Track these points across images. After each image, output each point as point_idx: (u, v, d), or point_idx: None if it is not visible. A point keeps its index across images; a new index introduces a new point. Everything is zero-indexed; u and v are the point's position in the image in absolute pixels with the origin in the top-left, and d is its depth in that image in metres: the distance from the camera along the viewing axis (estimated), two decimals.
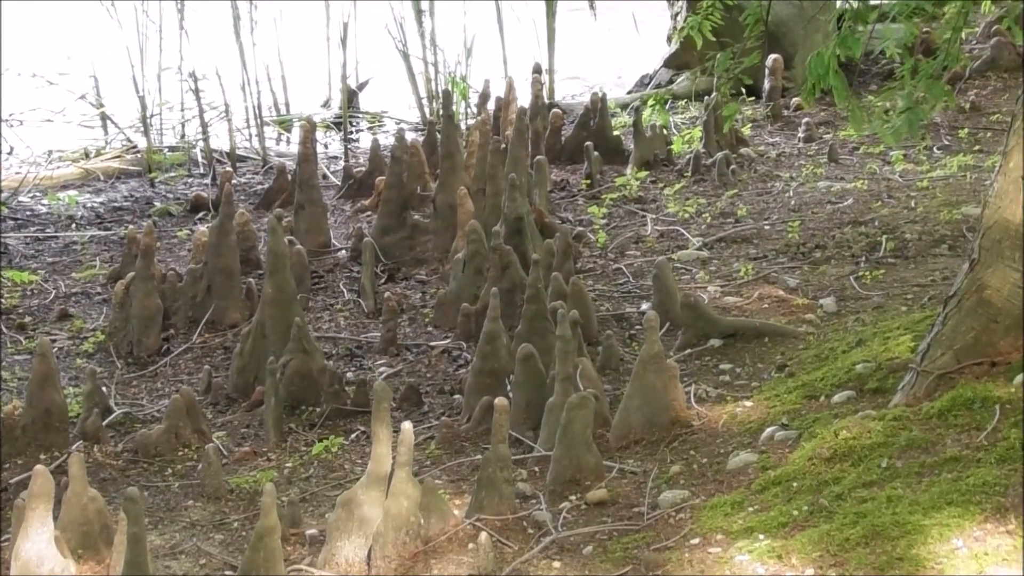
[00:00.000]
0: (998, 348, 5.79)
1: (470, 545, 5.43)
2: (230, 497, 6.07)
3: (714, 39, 9.69)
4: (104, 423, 6.66)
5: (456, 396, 6.76)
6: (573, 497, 5.75)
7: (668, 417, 6.12)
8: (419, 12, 11.11)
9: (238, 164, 10.63)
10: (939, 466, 5.45)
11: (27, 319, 8.10)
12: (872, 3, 10.33)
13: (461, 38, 11.36)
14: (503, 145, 8.74)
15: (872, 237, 8.38)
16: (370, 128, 11.20)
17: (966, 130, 10.05)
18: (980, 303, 5.92)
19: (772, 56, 11.05)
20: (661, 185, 9.67)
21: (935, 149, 9.82)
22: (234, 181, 9.05)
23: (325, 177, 9.48)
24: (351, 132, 11.16)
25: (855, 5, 9.99)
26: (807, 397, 6.28)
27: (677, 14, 12.10)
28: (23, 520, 5.38)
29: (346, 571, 5.37)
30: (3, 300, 8.31)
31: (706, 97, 10.59)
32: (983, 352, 5.81)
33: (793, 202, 9.21)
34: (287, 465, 6.35)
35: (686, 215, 9.09)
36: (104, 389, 6.92)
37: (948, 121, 10.06)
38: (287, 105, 11.34)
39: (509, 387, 6.38)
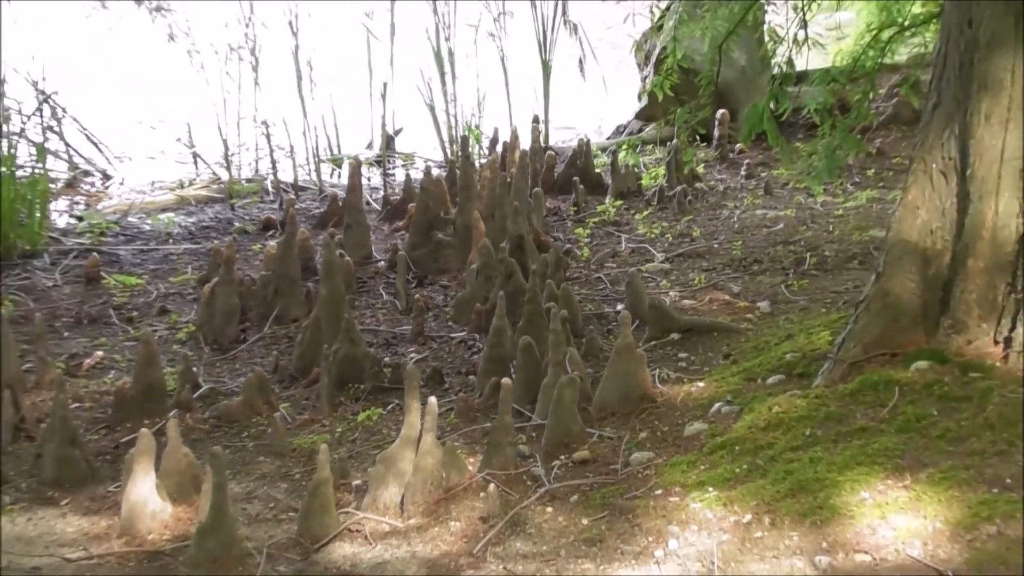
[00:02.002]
0: (898, 342, 5.82)
1: (481, 494, 5.48)
2: (293, 455, 6.10)
3: (673, 96, 9.75)
4: (194, 396, 6.69)
5: (471, 377, 6.78)
6: (562, 457, 5.80)
7: (637, 394, 6.16)
8: (442, 74, 11.12)
9: (300, 193, 10.63)
10: (851, 434, 5.48)
11: (134, 313, 8.12)
12: (798, 70, 10.37)
13: (475, 95, 11.35)
14: (508, 180, 8.76)
15: (798, 254, 8.41)
16: (403, 165, 11.20)
17: (873, 170, 10.08)
18: (884, 307, 5.96)
19: (720, 111, 11.07)
20: (632, 212, 9.68)
21: (849, 185, 9.85)
22: (296, 206, 9.06)
23: (368, 204, 9.48)
24: (389, 168, 11.16)
25: (784, 70, 10.04)
26: (747, 379, 6.32)
27: (646, 77, 12.11)
28: (131, 471, 5.43)
29: (383, 514, 5.41)
30: (116, 298, 8.32)
31: (668, 143, 10.60)
32: (886, 345, 5.84)
33: (736, 226, 9.23)
34: (337, 430, 6.37)
35: (652, 235, 9.12)
36: (194, 369, 6.94)
37: (859, 163, 10.08)
38: (339, 146, 11.32)
39: (512, 370, 6.40)
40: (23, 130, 10.15)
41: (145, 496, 5.36)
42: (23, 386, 6.56)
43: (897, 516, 4.98)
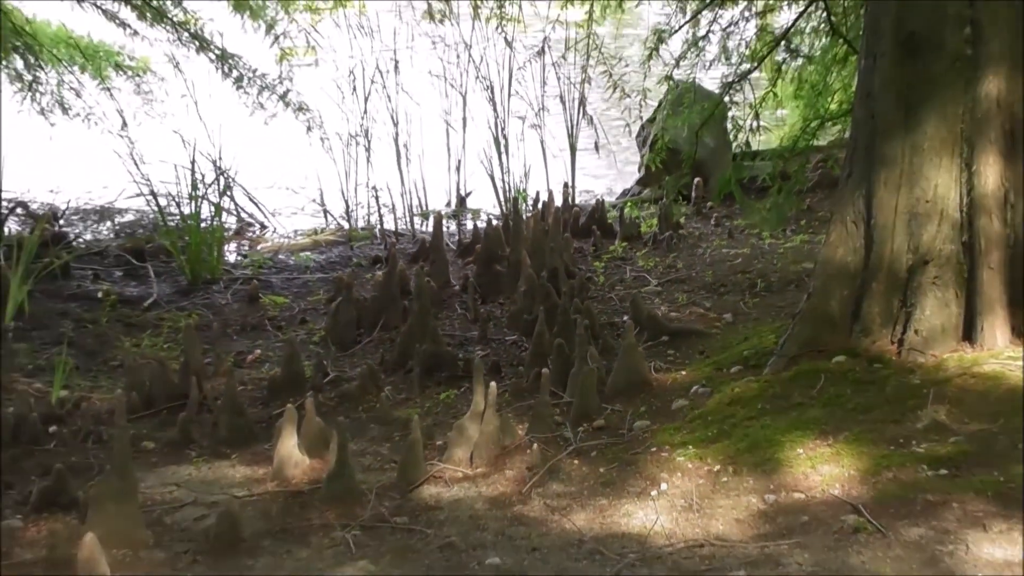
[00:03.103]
0: (824, 343, 5.79)
1: (527, 451, 5.46)
2: (394, 423, 6.09)
3: (663, 168, 9.79)
4: (324, 381, 6.68)
5: (520, 367, 6.76)
6: (585, 424, 5.78)
7: (638, 380, 6.13)
8: (499, 153, 11.10)
9: (399, 237, 10.58)
10: (790, 408, 5.46)
11: (282, 323, 8.11)
12: (753, 150, 10.37)
13: (522, 168, 11.35)
14: (546, 228, 8.76)
15: (752, 280, 8.35)
16: (472, 217, 11.16)
17: (804, 221, 10.01)
18: (814, 317, 5.93)
19: (696, 179, 11.02)
20: (634, 251, 9.63)
21: (788, 231, 9.78)
22: (396, 247, 9.09)
23: (447, 245, 9.47)
24: (462, 220, 11.13)
25: (743, 149, 10.06)
26: (716, 369, 6.29)
27: (644, 155, 12.09)
28: (280, 434, 5.45)
29: (458, 465, 5.41)
30: (269, 312, 8.35)
31: (660, 201, 10.54)
32: (815, 345, 5.81)
33: (708, 260, 9.16)
34: (425, 405, 6.35)
35: (648, 267, 9.07)
36: (324, 363, 6.93)
37: (796, 216, 10.02)
38: (426, 204, 11.28)
39: (549, 363, 6.40)
40: (205, 194, 10.20)
41: (290, 452, 5.39)
42: (205, 374, 6.60)
43: (822, 466, 4.97)
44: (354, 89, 11.23)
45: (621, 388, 6.07)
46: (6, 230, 9.81)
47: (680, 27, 9.95)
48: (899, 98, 5.68)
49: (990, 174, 5.56)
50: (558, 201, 9.93)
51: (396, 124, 11.16)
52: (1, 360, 6.55)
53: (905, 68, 5.67)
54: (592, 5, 10.12)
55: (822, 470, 4.95)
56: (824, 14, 9.23)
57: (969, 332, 5.62)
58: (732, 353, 6.46)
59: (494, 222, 9.84)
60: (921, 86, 5.63)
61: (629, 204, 11.31)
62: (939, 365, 5.52)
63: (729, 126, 10.65)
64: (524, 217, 8.89)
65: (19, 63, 10.24)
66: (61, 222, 10.59)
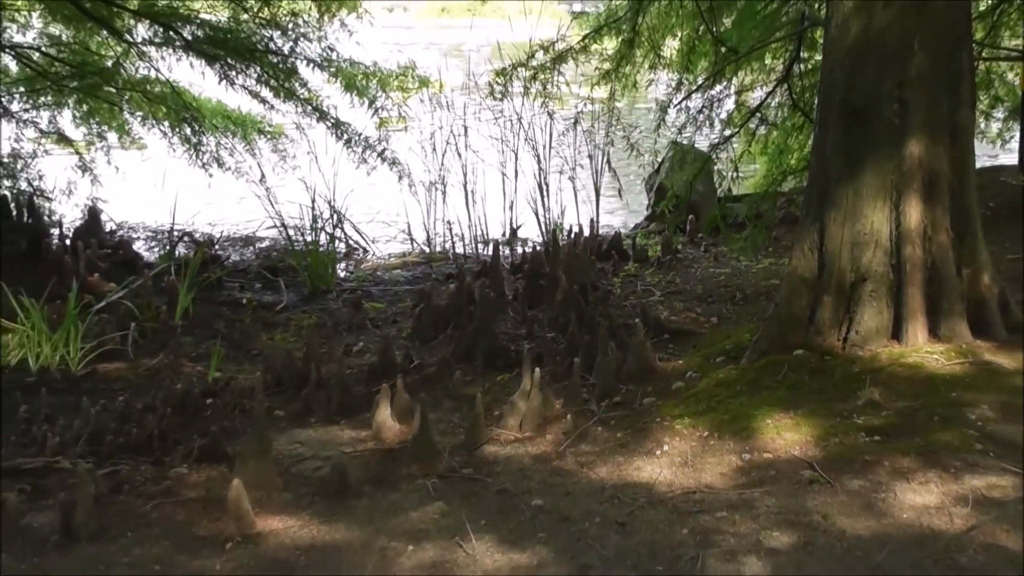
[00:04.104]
0: (787, 341, 5.74)
1: (562, 421, 5.46)
2: (462, 399, 6.08)
3: (666, 208, 9.74)
4: (410, 367, 6.68)
5: (557, 358, 6.74)
6: (606, 401, 5.76)
7: (646, 368, 6.09)
8: (542, 196, 11.07)
9: (466, 259, 10.54)
10: (762, 390, 5.42)
11: (379, 323, 8.12)
12: (734, 194, 10.33)
13: (559, 207, 11.33)
14: (577, 252, 8.74)
15: (732, 292, 8.30)
16: (521, 244, 11.17)
17: (772, 248, 9.96)
18: (779, 321, 5.89)
19: (690, 216, 10.96)
20: (643, 270, 9.58)
21: (759, 256, 9.73)
22: (464, 267, 9.09)
23: (502, 265, 9.49)
24: (514, 246, 11.13)
25: (726, 194, 10.01)
26: (705, 360, 6.25)
27: (651, 198, 12.06)
28: (378, 406, 5.46)
29: (511, 431, 5.39)
30: (370, 315, 8.37)
31: (663, 233, 10.51)
32: (781, 342, 5.76)
33: (699, 277, 9.11)
34: (486, 386, 6.31)
35: (654, 283, 9.02)
36: (410, 353, 6.94)
37: (765, 244, 9.95)
38: (487, 233, 11.25)
39: (579, 354, 6.38)
40: (323, 226, 10.29)
41: (385, 419, 5.40)
42: (321, 360, 6.60)
43: (785, 433, 4.94)
44: (433, 148, 11.27)
45: (633, 373, 6.05)
46: (176, 253, 9.91)
47: (679, 103, 9.96)
48: (845, 156, 5.66)
49: (913, 214, 5.55)
50: (586, 232, 9.90)
51: (465, 174, 11.18)
52: (310, 347, 6.64)
53: (850, 133, 5.65)
54: (612, 86, 10.12)
55: (785, 436, 4.93)
56: (787, 93, 9.20)
57: (897, 333, 5.60)
58: (717, 348, 6.42)
59: (538, 248, 9.83)
60: (862, 147, 5.61)
61: (639, 235, 11.27)
62: (874, 358, 5.50)
63: (715, 177, 10.64)
64: (560, 244, 8.88)
65: (187, 130, 10.35)
66: (216, 247, 10.68)
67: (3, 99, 9.80)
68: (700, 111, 9.91)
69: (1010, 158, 13.35)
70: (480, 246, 11.11)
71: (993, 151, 13.95)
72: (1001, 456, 4.56)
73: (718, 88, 10.13)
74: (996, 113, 13.24)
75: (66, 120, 10.44)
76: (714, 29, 9.41)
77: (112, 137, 10.87)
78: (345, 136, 10.19)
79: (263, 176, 10.74)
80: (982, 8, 11.57)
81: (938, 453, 4.60)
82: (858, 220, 5.61)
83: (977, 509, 4.15)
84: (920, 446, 4.67)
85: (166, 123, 10.40)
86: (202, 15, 9.82)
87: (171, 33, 9.50)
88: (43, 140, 10.37)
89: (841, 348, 5.63)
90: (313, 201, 10.59)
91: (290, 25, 9.78)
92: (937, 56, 5.54)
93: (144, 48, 9.81)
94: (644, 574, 3.87)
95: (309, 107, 10.16)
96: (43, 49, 9.92)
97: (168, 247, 10.33)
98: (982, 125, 12.75)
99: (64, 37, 10.03)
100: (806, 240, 5.84)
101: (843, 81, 5.68)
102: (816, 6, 8.93)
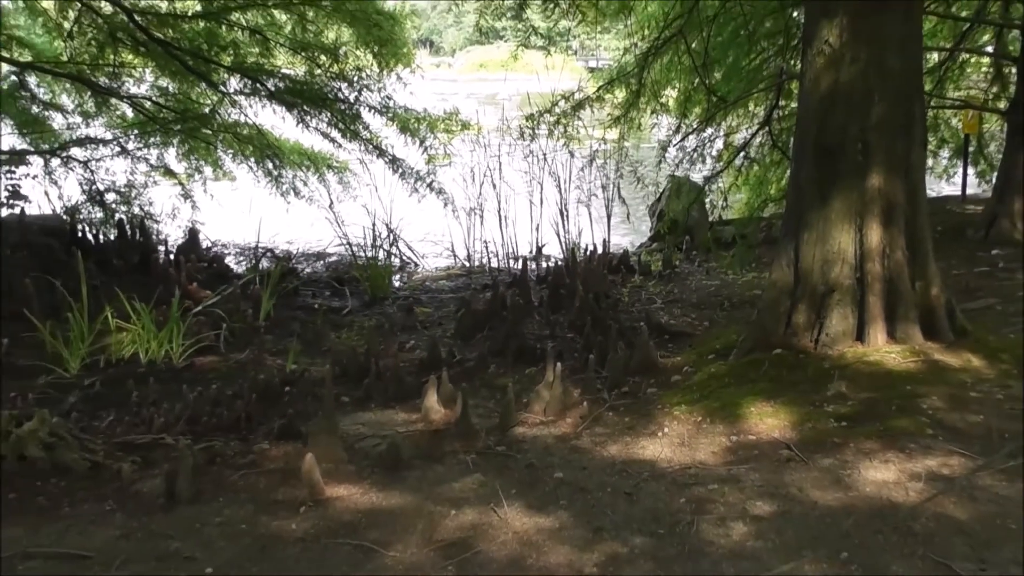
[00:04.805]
0: (767, 342, 5.71)
1: (579, 407, 5.44)
2: (496, 388, 6.06)
3: (667, 231, 9.68)
4: (453, 361, 6.66)
5: (575, 354, 6.72)
6: (616, 391, 5.74)
7: (650, 363, 6.07)
8: (563, 220, 11.06)
9: (499, 272, 10.60)
10: (747, 382, 5.38)
11: (427, 325, 8.10)
12: (723, 219, 10.29)
13: (576, 229, 11.31)
14: (592, 266, 8.73)
15: (722, 301, 8.27)
16: (546, 260, 11.16)
17: (755, 264, 9.87)
18: (761, 324, 5.85)
19: (687, 236, 10.94)
20: (647, 282, 9.56)
21: (744, 270, 9.70)
22: (498, 278, 9.08)
23: (530, 277, 9.47)
24: (539, 261, 11.10)
25: (717, 219, 9.96)
26: (699, 356, 6.21)
27: (654, 223, 12.03)
28: (426, 392, 5.45)
29: (537, 415, 5.37)
30: (419, 318, 8.37)
31: (664, 250, 10.49)
32: (764, 343, 5.73)
33: (693, 288, 9.07)
34: (515, 377, 6.29)
35: (656, 292, 8.99)
36: (453, 350, 6.93)
37: (750, 261, 9.90)
38: (517, 251, 11.22)
39: (594, 352, 6.38)
40: (381, 244, 10.32)
41: (432, 404, 5.39)
42: (379, 355, 6.61)
43: (766, 419, 4.91)
44: (473, 180, 11.31)
45: (639, 368, 6.04)
46: (260, 266, 9.96)
47: (677, 143, 9.96)
48: (817, 187, 5.62)
49: (874, 236, 5.51)
50: (599, 250, 9.89)
51: (498, 202, 11.21)
52: (371, 343, 6.66)
53: (821, 169, 5.61)
54: (622, 129, 10.12)
55: (767, 421, 4.89)
56: (767, 135, 9.17)
57: (860, 335, 5.54)
58: (709, 347, 6.39)
59: (559, 263, 9.79)
60: (831, 180, 5.57)
61: (644, 252, 11.25)
62: (841, 356, 5.44)
63: (707, 204, 10.61)
64: (578, 260, 8.87)
65: (270, 164, 10.42)
66: (293, 261, 10.73)
67: (121, 139, 9.89)
68: (694, 150, 9.94)
69: (954, 190, 13.30)
70: (511, 261, 11.11)
71: (941, 184, 13.91)
72: (949, 440, 4.53)
73: (709, 130, 10.15)
74: (943, 153, 13.22)
75: (171, 156, 10.53)
76: (707, 81, 9.43)
77: (208, 170, 10.95)
78: (400, 170, 10.22)
79: (331, 203, 10.80)
80: (930, 65, 11.54)
81: (896, 437, 4.57)
82: (828, 241, 5.57)
83: (929, 484, 4.11)
84: (880, 431, 4.63)
85: (252, 159, 10.46)
86: (283, 70, 9.89)
87: (258, 85, 9.61)
88: (152, 173, 10.45)
89: (813, 348, 5.58)
90: (373, 223, 10.65)
91: (355, 78, 9.85)
92: (894, 105, 5.51)
93: (235, 97, 9.89)
94: (647, 536, 3.86)
95: (370, 146, 10.20)
96: (153, 98, 10.01)
97: (253, 261, 10.40)
98: (931, 163, 12.71)
99: (170, 88, 10.12)
100: (784, 257, 5.80)
101: (815, 125, 5.65)
102: (792, 62, 8.91)
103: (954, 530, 3.76)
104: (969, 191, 12.56)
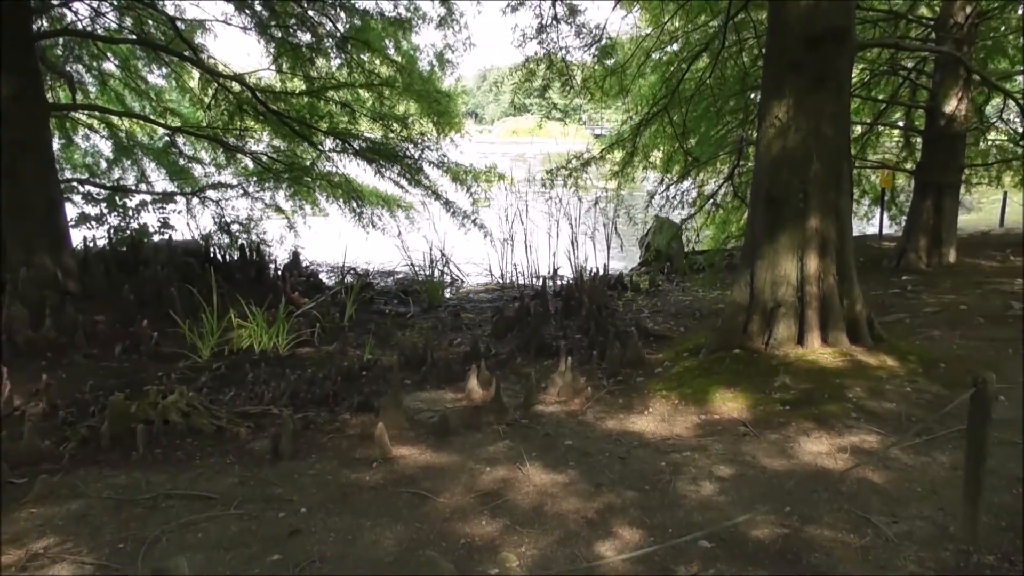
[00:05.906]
0: (729, 344, 5.63)
1: (585, 391, 5.37)
2: (521, 375, 6.00)
3: (652, 259, 9.56)
4: (490, 354, 6.59)
5: (582, 351, 6.66)
6: (612, 379, 5.68)
7: (639, 359, 6.01)
8: (573, 249, 10.98)
9: (524, 288, 10.56)
10: (715, 373, 5.31)
11: (470, 327, 8.07)
12: (697, 249, 10.18)
13: (583, 256, 11.23)
14: (595, 284, 8.65)
15: (694, 311, 8.18)
16: (560, 279, 11.08)
17: (720, 285, 9.77)
18: (724, 330, 5.77)
19: (667, 263, 10.84)
20: (637, 297, 9.49)
21: (711, 289, 9.58)
22: (524, 292, 9.01)
23: (548, 292, 9.40)
24: (555, 280, 11.05)
25: (691, 250, 9.85)
26: (676, 354, 6.13)
27: (643, 252, 11.93)
28: (469, 378, 5.43)
29: (553, 398, 5.33)
30: (464, 322, 8.30)
31: (650, 272, 10.39)
32: (726, 345, 5.65)
33: (672, 301, 8.99)
34: (536, 367, 6.24)
35: (643, 305, 8.90)
36: (489, 346, 6.83)
37: (716, 282, 9.79)
38: (539, 271, 11.18)
39: (596, 349, 6.31)
40: (436, 264, 10.31)
41: (473, 386, 5.36)
42: (434, 349, 6.58)
43: (728, 403, 4.84)
44: (506, 218, 11.27)
45: (630, 362, 5.98)
46: (345, 280, 9.98)
47: (662, 192, 9.90)
48: (767, 227, 5.55)
49: (811, 265, 5.43)
50: (601, 272, 9.82)
51: (525, 235, 11.17)
52: (427, 340, 6.61)
53: (770, 212, 5.55)
54: (619, 181, 10.09)
55: (728, 404, 4.83)
56: (731, 186, 9.10)
57: (800, 340, 5.46)
58: (684, 347, 6.32)
59: (570, 281, 9.72)
60: (778, 221, 5.50)
61: (634, 274, 11.14)
62: (785, 356, 5.36)
63: (684, 238, 10.54)
64: (584, 279, 8.80)
65: (354, 204, 10.45)
66: (370, 277, 10.75)
67: (244, 185, 10.01)
68: (674, 197, 9.88)
69: (873, 230, 13.16)
70: (534, 280, 11.08)
71: (863, 225, 13.77)
72: (869, 421, 4.45)
73: (686, 183, 10.09)
74: (864, 201, 13.11)
75: (280, 198, 10.61)
76: (684, 146, 9.39)
77: (308, 208, 11.01)
78: (451, 209, 10.24)
79: (399, 233, 10.82)
80: (856, 135, 11.43)
81: (827, 418, 4.49)
82: (776, 268, 5.50)
83: (853, 455, 4.05)
84: (815, 413, 4.56)
85: (341, 200, 10.50)
86: (366, 134, 10.00)
87: (346, 144, 9.72)
88: (266, 210, 10.52)
89: (764, 349, 5.50)
90: (430, 249, 10.66)
91: (419, 140, 9.93)
92: (827, 165, 5.44)
93: (329, 154, 10.00)
94: (636, 490, 3.81)
95: (429, 191, 10.22)
96: (268, 154, 10.12)
97: (340, 277, 10.42)
98: (856, 209, 12.58)
99: (281, 147, 10.22)
100: (742, 280, 5.73)
101: (767, 180, 5.59)
102: (750, 132, 8.85)
103: (872, 491, 3.69)
104: (884, 231, 12.52)
